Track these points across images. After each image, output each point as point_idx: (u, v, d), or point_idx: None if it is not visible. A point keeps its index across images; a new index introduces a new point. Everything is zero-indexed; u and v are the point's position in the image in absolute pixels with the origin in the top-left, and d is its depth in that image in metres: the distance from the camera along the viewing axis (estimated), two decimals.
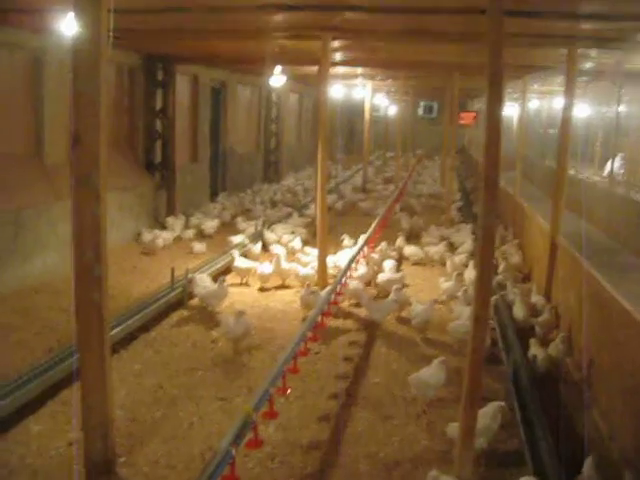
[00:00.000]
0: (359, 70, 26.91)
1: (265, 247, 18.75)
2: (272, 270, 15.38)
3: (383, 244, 17.97)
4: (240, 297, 14.63)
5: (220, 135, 28.31)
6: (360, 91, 36.41)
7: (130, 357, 11.15)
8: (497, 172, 6.98)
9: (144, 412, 9.20)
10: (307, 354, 11.39)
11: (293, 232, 20.34)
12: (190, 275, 13.88)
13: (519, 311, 12.99)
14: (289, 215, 24.07)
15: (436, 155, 53.68)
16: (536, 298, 13.89)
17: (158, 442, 8.42)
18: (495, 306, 13.24)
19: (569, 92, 14.75)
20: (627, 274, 11.48)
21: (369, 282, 15.36)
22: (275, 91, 33.96)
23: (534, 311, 13.28)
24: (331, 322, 13.24)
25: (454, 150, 28.46)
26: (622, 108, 18.10)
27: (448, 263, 17.03)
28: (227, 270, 16.19)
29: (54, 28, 12.29)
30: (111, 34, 6.97)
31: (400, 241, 19.23)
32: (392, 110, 52.25)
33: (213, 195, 27.20)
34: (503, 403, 8.59)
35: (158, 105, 21.82)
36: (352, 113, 54.77)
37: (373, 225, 20.54)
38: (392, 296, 13.28)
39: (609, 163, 22.14)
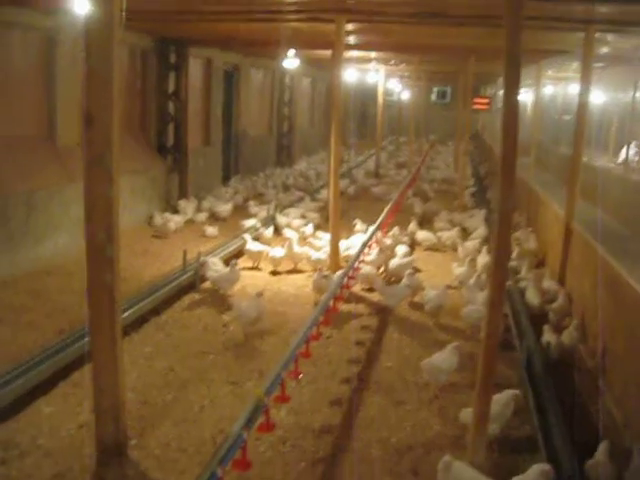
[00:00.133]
0: (372, 54, 26.77)
1: (277, 231, 18.70)
2: (284, 254, 15.33)
3: (395, 229, 17.87)
4: (252, 281, 14.58)
5: (233, 118, 28.24)
6: (373, 76, 36.21)
7: (141, 340, 11.13)
8: (514, 156, 6.89)
9: (155, 395, 9.18)
10: (319, 338, 11.33)
11: (304, 216, 20.28)
12: (202, 258, 13.83)
13: (533, 297, 12.89)
14: (301, 199, 24.01)
15: (449, 141, 53.44)
16: (548, 283, 13.78)
17: (169, 425, 8.39)
18: (508, 292, 13.14)
19: (585, 77, 14.58)
20: None
21: (379, 267, 15.28)
22: (288, 75, 33.85)
23: (547, 297, 13.18)
24: (343, 306, 13.17)
25: (468, 135, 28.23)
26: (639, 94, 17.94)
27: (460, 249, 16.93)
28: (239, 254, 16.13)
29: (67, 8, 12.20)
30: (124, 14, 6.89)
31: (413, 226, 19.14)
32: (405, 95, 52.03)
33: (225, 179, 27.17)
34: (517, 391, 8.52)
35: (171, 88, 21.76)
36: (365, 98, 54.55)
37: (386, 210, 20.44)
38: (405, 281, 13.21)
39: (624, 150, 22.01)
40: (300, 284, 14.50)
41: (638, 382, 8.64)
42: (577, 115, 14.86)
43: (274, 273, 15.33)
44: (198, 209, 21.26)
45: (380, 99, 35.06)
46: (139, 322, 11.68)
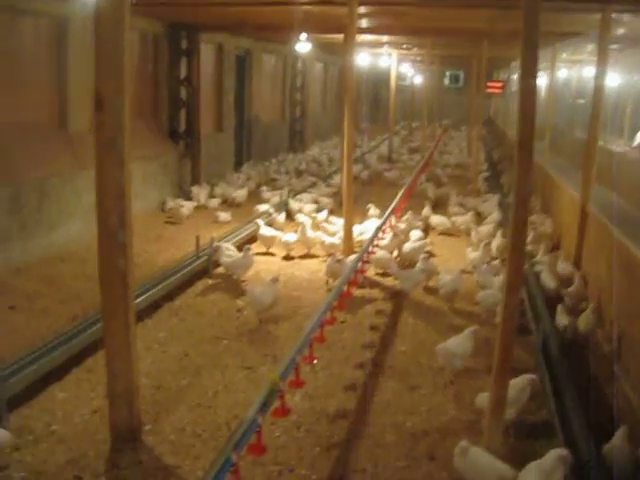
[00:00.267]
0: (385, 38, 26.66)
1: (290, 216, 18.65)
2: (297, 239, 15.27)
3: (409, 214, 17.76)
4: (265, 266, 14.54)
5: (245, 104, 28.16)
6: (386, 60, 36.03)
7: (155, 325, 11.10)
8: (531, 139, 6.79)
9: (169, 380, 9.15)
10: (333, 323, 11.27)
11: (317, 202, 20.20)
12: (215, 244, 13.77)
13: (549, 281, 12.80)
14: (314, 185, 23.92)
15: (462, 125, 53.19)
16: (563, 266, 13.68)
17: (184, 410, 8.36)
18: (523, 276, 13.03)
19: (602, 59, 14.40)
20: None
21: (392, 251, 15.19)
22: (300, 59, 33.72)
23: (562, 280, 13.08)
24: (357, 291, 13.11)
25: (481, 119, 28.06)
26: None
27: (473, 234, 16.82)
28: (252, 239, 16.08)
29: None
30: None
31: (426, 210, 19.04)
32: (418, 79, 51.78)
33: (238, 164, 27.11)
34: (534, 376, 8.44)
35: (182, 74, 21.67)
36: (377, 82, 54.40)
37: (399, 195, 20.34)
38: (419, 265, 13.14)
39: (639, 134, 21.84)
40: (314, 269, 14.45)
41: None
42: (593, 98, 14.69)
43: (287, 258, 15.28)
44: (211, 195, 21.20)
45: (393, 83, 34.88)
46: (153, 308, 11.65)
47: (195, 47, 21.69)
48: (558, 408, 8.14)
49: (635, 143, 24.05)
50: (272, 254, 15.52)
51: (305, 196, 20.98)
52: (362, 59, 32.01)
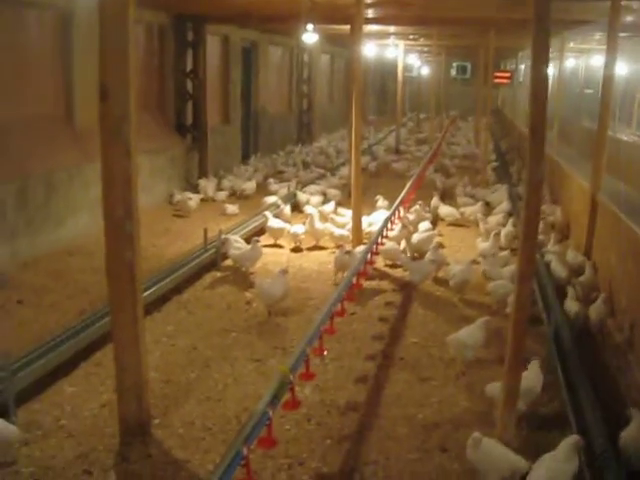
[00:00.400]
0: (391, 29, 26.53)
1: (298, 208, 18.59)
2: (305, 230, 15.20)
3: (418, 205, 17.64)
4: (273, 258, 14.48)
5: (251, 96, 28.10)
6: (392, 51, 35.90)
7: (163, 319, 11.03)
8: (544, 127, 6.69)
9: (178, 373, 9.09)
10: (343, 315, 11.20)
11: (325, 194, 20.12)
12: (223, 236, 13.69)
13: (560, 270, 12.70)
14: (321, 177, 23.84)
15: (469, 116, 53.07)
16: (572, 255, 13.59)
17: (193, 403, 8.30)
18: None
19: (611, 47, 14.25)
20: None
21: (400, 243, 15.09)
22: (306, 51, 33.62)
23: (573, 269, 12.99)
24: (366, 283, 13.03)
25: (490, 109, 27.92)
26: None
27: (481, 224, 16.68)
28: (260, 231, 16.01)
29: None
30: None
31: (435, 201, 18.93)
32: (425, 70, 51.67)
33: (245, 157, 27.05)
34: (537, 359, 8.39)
35: (188, 66, 21.60)
36: (384, 74, 54.25)
37: (407, 185, 20.25)
38: (429, 255, 13.06)
39: None
40: (322, 260, 14.37)
41: None
42: (603, 86, 14.56)
43: (296, 250, 15.21)
44: (218, 187, 21.13)
45: (400, 75, 34.73)
46: (161, 301, 11.58)
47: (201, 39, 21.61)
48: (571, 399, 8.05)
49: None
50: (280, 246, 15.45)
51: (313, 188, 20.88)
52: (369, 50, 31.92)
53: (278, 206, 17.70)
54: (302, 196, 19.32)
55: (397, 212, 17.38)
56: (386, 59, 41.87)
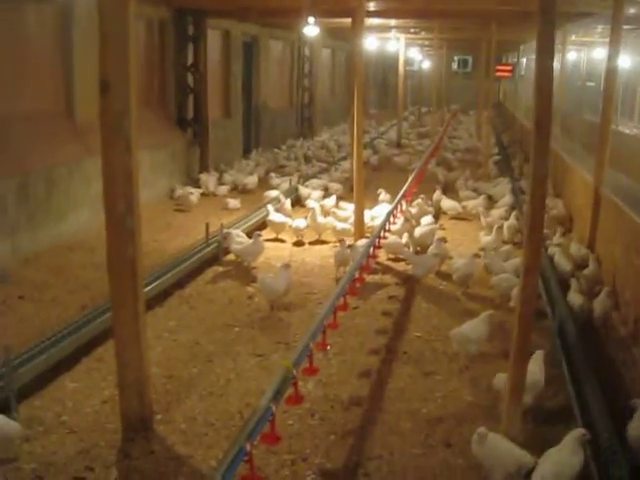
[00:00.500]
0: (392, 22, 26.44)
1: (300, 202, 18.54)
2: (307, 224, 15.15)
3: (420, 199, 17.55)
4: (275, 252, 14.42)
5: (252, 90, 28.03)
6: (394, 45, 35.81)
7: (165, 314, 10.98)
8: (549, 115, 6.62)
9: (180, 369, 9.03)
10: (346, 309, 11.15)
11: (327, 188, 20.07)
12: (225, 231, 13.63)
13: (564, 263, 12.65)
14: (323, 171, 23.79)
15: (471, 110, 52.97)
16: (575, 248, 13.53)
17: (195, 399, 8.24)
18: None
19: (615, 40, 14.17)
20: None
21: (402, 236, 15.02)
22: (307, 46, 33.55)
23: (575, 262, 12.94)
24: (369, 277, 12.97)
25: (491, 103, 27.84)
26: None
27: (482, 218, 16.60)
28: (262, 226, 15.96)
29: None
30: None
31: (437, 194, 18.86)
32: (426, 64, 51.58)
33: (246, 151, 26.98)
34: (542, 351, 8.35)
35: (189, 60, 21.52)
36: (386, 68, 54.16)
37: (410, 179, 20.19)
38: (433, 249, 13.00)
39: None
40: (324, 255, 14.31)
41: None
42: (606, 79, 14.53)
43: (298, 244, 15.15)
44: (220, 182, 21.06)
45: (401, 69, 34.64)
46: (163, 296, 11.53)
47: (202, 33, 21.53)
48: (576, 392, 8.00)
49: None
50: (282, 240, 15.39)
51: (315, 182, 20.81)
52: (370, 44, 31.82)
53: (279, 200, 17.65)
54: (304, 190, 19.26)
55: (399, 206, 17.31)
56: (387, 53, 41.75)
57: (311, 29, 19.28)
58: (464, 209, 18.06)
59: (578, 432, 6.43)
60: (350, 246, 12.89)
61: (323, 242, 15.21)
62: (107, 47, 6.59)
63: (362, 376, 8.96)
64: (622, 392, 8.68)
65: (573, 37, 28.51)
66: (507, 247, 13.85)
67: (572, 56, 35.66)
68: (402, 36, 33.11)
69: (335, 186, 20.26)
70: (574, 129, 26.31)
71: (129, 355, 7.18)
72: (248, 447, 6.19)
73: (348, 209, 16.45)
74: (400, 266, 13.60)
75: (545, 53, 6.57)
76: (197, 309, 11.26)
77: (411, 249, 13.92)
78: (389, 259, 14.08)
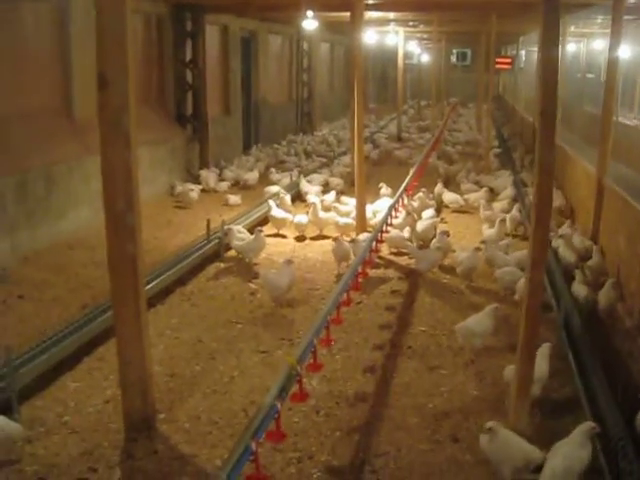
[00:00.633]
0: (391, 15, 26.32)
1: (301, 197, 18.46)
2: (308, 219, 15.06)
3: (421, 192, 17.44)
4: (277, 248, 14.34)
5: (252, 86, 27.95)
6: (392, 38, 35.71)
7: (167, 311, 10.89)
8: (554, 107, 6.54)
9: (183, 367, 8.95)
10: (349, 304, 11.05)
11: (328, 183, 19.98)
12: (226, 227, 13.54)
13: (569, 255, 12.55)
14: (323, 166, 23.72)
15: (470, 103, 52.89)
16: (577, 240, 13.45)
17: (199, 397, 8.16)
18: None
19: (616, 30, 14.07)
20: None
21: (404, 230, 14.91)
22: (306, 40, 33.46)
23: (579, 254, 12.85)
24: (372, 271, 12.88)
25: (491, 95, 27.74)
26: None
27: (481, 211, 16.47)
28: (263, 221, 15.87)
29: None
30: None
31: (439, 187, 18.76)
32: (425, 58, 51.48)
33: (246, 147, 26.89)
34: (549, 344, 8.27)
35: (188, 56, 21.39)
36: (385, 61, 54.03)
37: (411, 173, 20.09)
38: (435, 242, 12.92)
39: None
40: (326, 250, 14.16)
41: None
42: (607, 70, 14.46)
43: (299, 239, 15.06)
44: (220, 178, 20.96)
45: (400, 62, 34.52)
46: (164, 293, 11.44)
47: (200, 29, 21.40)
48: (583, 384, 7.92)
49: None
50: (284, 236, 15.31)
51: (315, 177, 20.72)
52: (369, 38, 31.71)
53: (280, 196, 17.55)
54: (304, 185, 19.17)
55: (401, 200, 17.21)
56: (386, 47, 41.64)
57: (310, 23, 19.16)
58: (466, 202, 17.96)
59: (587, 425, 6.35)
60: (353, 240, 12.78)
61: (325, 237, 15.10)
62: (105, 42, 6.49)
63: (367, 372, 8.87)
64: (629, 383, 8.60)
65: (572, 28, 28.41)
66: (507, 240, 13.75)
67: (572, 48, 35.54)
68: (401, 29, 33.02)
69: (336, 181, 20.19)
70: (574, 121, 26.22)
71: (131, 354, 7.10)
72: (254, 446, 6.10)
73: (349, 204, 16.35)
74: (403, 260, 13.52)
75: (550, 42, 6.48)
76: (199, 306, 11.17)
77: (414, 243, 13.82)
78: (391, 253, 13.99)
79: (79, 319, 9.31)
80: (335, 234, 14.74)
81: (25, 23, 14.44)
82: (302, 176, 20.40)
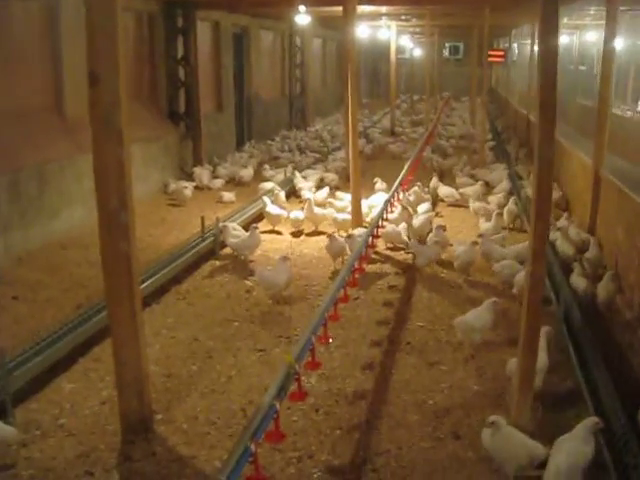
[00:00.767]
0: (383, 9, 26.18)
1: (295, 193, 18.36)
2: (304, 215, 14.99)
3: (417, 186, 17.34)
4: (272, 245, 14.25)
5: (244, 82, 27.85)
6: (385, 33, 35.61)
7: (162, 310, 10.78)
8: (554, 99, 6.41)
9: (180, 366, 8.84)
10: (347, 300, 10.95)
11: (322, 178, 19.88)
12: (221, 224, 13.42)
13: (567, 248, 12.48)
14: (317, 161, 23.61)
15: (463, 96, 52.80)
16: (574, 232, 13.37)
17: (196, 397, 8.06)
18: None
19: (611, 21, 13.98)
20: None
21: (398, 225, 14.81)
22: (298, 36, 33.35)
23: (576, 246, 12.78)
24: (368, 267, 12.78)
25: (486, 89, 27.66)
26: None
27: (470, 205, 16.38)
28: (257, 218, 15.77)
29: None
30: None
31: (434, 182, 18.67)
32: (417, 52, 51.40)
33: (239, 143, 26.78)
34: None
35: (179, 53, 21.26)
36: (376, 56, 53.93)
37: (406, 167, 20.00)
38: (432, 236, 12.84)
39: None
40: (322, 246, 14.02)
41: None
42: (603, 61, 14.40)
43: (295, 235, 14.96)
44: (214, 175, 20.84)
45: (392, 56, 34.40)
46: (159, 292, 11.33)
47: (191, 25, 21.25)
48: (585, 378, 7.85)
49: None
50: (279, 232, 15.21)
51: (311, 173, 20.61)
52: (361, 32, 31.59)
53: (274, 192, 17.44)
54: (299, 180, 19.07)
55: (396, 194, 17.12)
56: (378, 41, 41.55)
57: (302, 17, 19.04)
58: (462, 196, 17.86)
59: (591, 421, 6.27)
60: (349, 236, 12.68)
61: (321, 233, 14.99)
62: (95, 38, 6.37)
63: (366, 368, 8.78)
64: (630, 375, 8.53)
65: (565, 20, 28.27)
66: (502, 233, 13.67)
67: (564, 40, 35.40)
68: (393, 24, 32.89)
69: (330, 176, 20.09)
70: (567, 113, 26.11)
71: (127, 354, 7.00)
72: (253, 447, 5.99)
73: (345, 199, 16.25)
74: (399, 255, 13.43)
75: (549, 33, 6.37)
76: (195, 305, 11.06)
77: (412, 239, 13.69)
78: (388, 248, 13.90)
79: (74, 319, 9.20)
80: (330, 230, 14.65)
81: (15, 21, 14.29)
82: (296, 172, 20.28)
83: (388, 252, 13.75)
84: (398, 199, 16.94)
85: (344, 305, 10.77)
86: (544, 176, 6.47)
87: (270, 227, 15.33)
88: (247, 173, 20.96)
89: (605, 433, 6.55)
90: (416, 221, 14.43)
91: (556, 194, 17.16)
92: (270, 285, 10.81)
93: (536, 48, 29.26)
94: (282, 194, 17.24)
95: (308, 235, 15.04)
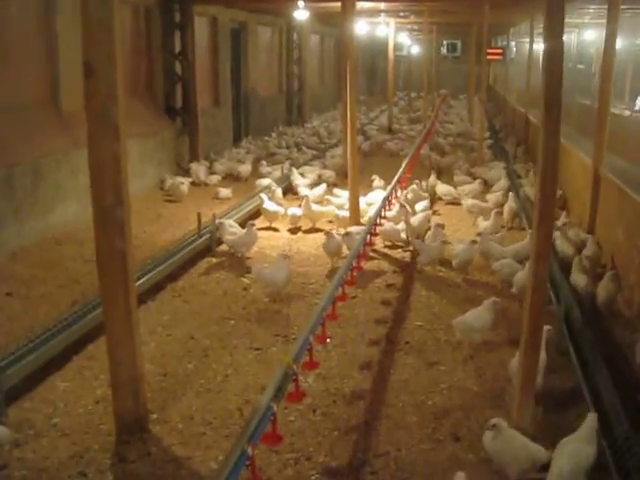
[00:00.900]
0: (382, 5, 26.08)
1: (292, 190, 18.28)
2: (301, 212, 14.90)
3: (415, 184, 17.23)
4: (269, 242, 14.13)
5: (242, 78, 27.75)
6: (383, 29, 35.49)
7: (158, 308, 10.65)
8: (559, 97, 6.30)
9: (175, 365, 8.72)
10: (344, 299, 10.83)
11: (320, 175, 19.77)
12: (218, 221, 13.29)
13: (566, 247, 12.38)
14: (315, 158, 23.51)
15: (460, 94, 52.71)
16: (573, 232, 13.27)
17: (192, 396, 7.94)
18: None
19: (612, 19, 13.88)
20: None
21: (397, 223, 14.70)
22: (296, 32, 33.25)
23: (576, 246, 12.69)
24: (366, 265, 12.67)
25: (484, 86, 27.54)
26: None
27: (463, 203, 16.27)
28: (254, 215, 15.65)
29: None
30: None
31: (432, 179, 18.58)
32: (415, 49, 51.29)
33: (236, 139, 26.66)
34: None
35: (177, 48, 21.11)
36: (374, 53, 53.84)
37: (404, 164, 19.90)
38: (431, 235, 12.74)
39: None
40: (320, 243, 13.94)
41: None
42: (603, 60, 14.30)
43: (292, 232, 14.85)
44: (211, 171, 20.72)
45: (390, 53, 34.30)
46: (155, 289, 11.20)
47: (189, 20, 21.09)
48: (585, 378, 7.75)
49: (637, 106, 23.69)
50: (276, 229, 15.09)
51: (308, 169, 20.50)
52: (359, 29, 31.47)
53: (272, 189, 17.33)
54: (296, 177, 18.95)
55: (394, 192, 17.01)
56: (376, 38, 41.41)
57: (301, 13, 18.92)
58: (460, 194, 17.76)
59: (592, 419, 6.18)
60: (347, 233, 12.56)
61: (318, 230, 14.86)
62: (91, 28, 6.24)
63: (364, 368, 8.67)
64: (631, 375, 8.44)
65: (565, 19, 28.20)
66: (501, 232, 13.57)
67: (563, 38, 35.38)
68: (392, 20, 32.81)
69: (328, 173, 19.98)
70: (566, 112, 26.06)
71: (122, 352, 6.88)
72: (250, 451, 5.87)
73: (342, 196, 16.14)
74: (397, 253, 13.32)
75: (554, 31, 6.25)
76: (191, 302, 10.93)
77: (410, 238, 13.56)
78: (386, 246, 13.80)
79: (68, 316, 9.08)
80: (328, 227, 14.55)
81: (10, 14, 14.15)
82: (293, 169, 20.16)
83: (386, 250, 13.64)
84: (396, 197, 16.83)
85: (342, 304, 10.65)
86: (548, 176, 6.35)
87: (267, 224, 15.21)
88: (245, 169, 20.85)
89: (605, 430, 6.47)
90: (414, 219, 14.31)
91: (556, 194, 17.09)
92: (269, 283, 10.70)
93: (534, 47, 29.23)
94: (279, 191, 17.13)
95: (305, 232, 14.92)
